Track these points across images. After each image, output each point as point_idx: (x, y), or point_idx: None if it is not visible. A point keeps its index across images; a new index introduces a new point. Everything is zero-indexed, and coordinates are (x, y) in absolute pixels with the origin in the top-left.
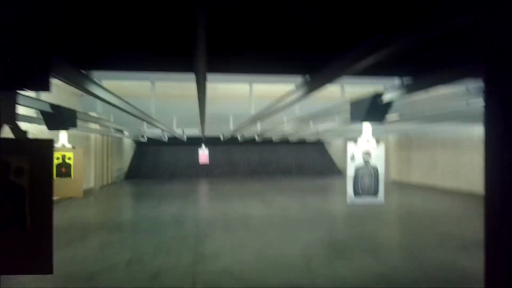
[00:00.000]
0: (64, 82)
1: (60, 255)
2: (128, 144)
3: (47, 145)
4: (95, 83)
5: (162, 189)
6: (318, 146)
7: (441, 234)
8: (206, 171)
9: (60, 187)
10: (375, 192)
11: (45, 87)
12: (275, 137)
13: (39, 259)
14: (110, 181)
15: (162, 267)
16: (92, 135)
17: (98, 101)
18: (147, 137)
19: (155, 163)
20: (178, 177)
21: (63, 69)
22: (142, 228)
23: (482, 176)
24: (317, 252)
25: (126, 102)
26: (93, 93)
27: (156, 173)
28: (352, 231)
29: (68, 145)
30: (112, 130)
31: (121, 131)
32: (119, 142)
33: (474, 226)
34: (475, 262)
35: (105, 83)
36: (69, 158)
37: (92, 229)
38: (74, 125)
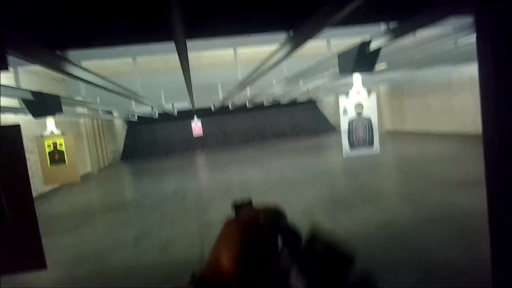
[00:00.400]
0: (35, 63)
1: (68, 240)
2: (119, 125)
3: (14, 131)
4: (72, 63)
5: (160, 166)
6: (311, 105)
7: (438, 177)
8: (201, 143)
9: (57, 175)
10: (370, 143)
11: (2, 65)
12: (266, 101)
13: (29, 255)
14: (106, 164)
15: (170, 239)
16: (81, 120)
17: (81, 84)
18: (138, 116)
19: (149, 141)
20: (174, 152)
21: (28, 47)
22: (146, 204)
23: (475, 117)
24: (318, 207)
25: (109, 80)
26: (71, 74)
27: (152, 151)
28: (351, 184)
29: (57, 132)
30: (100, 112)
31: (110, 112)
32: (110, 124)
33: (470, 166)
34: (472, 200)
35: (85, 64)
36: (61, 145)
37: (97, 212)
38: (59, 110)
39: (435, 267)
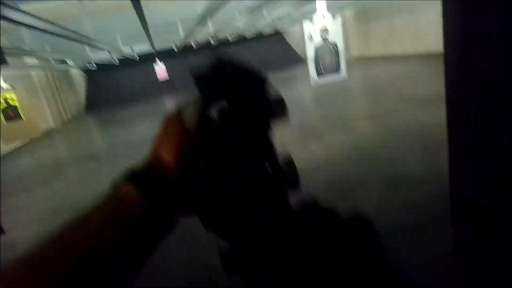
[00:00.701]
0: None
1: (41, 195)
2: (77, 75)
3: None
4: (9, 7)
5: (127, 114)
6: (277, 38)
7: (403, 97)
8: (167, 87)
9: (15, 132)
10: (337, 69)
11: None
12: (231, 36)
13: None
14: (70, 117)
15: None
16: (34, 73)
17: (24, 31)
18: (96, 63)
19: (113, 89)
20: (141, 99)
21: None
22: (117, 153)
23: (439, 36)
24: (289, 137)
25: (54, 24)
26: (9, 19)
27: (117, 100)
28: (320, 111)
29: (6, 86)
30: (52, 61)
31: (64, 62)
32: (67, 74)
33: (433, 85)
34: (434, 116)
35: (25, 8)
36: (13, 99)
37: (67, 165)
38: (3, 61)
39: (400, 181)
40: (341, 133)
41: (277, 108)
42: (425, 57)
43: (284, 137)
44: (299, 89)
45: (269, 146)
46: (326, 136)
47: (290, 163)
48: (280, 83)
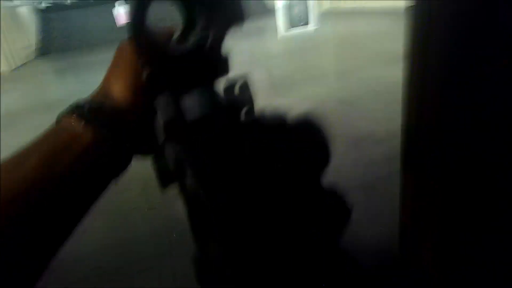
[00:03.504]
0: None
1: None
2: (26, 15)
3: None
4: None
5: (84, 61)
6: None
7: (371, 52)
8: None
9: None
10: (306, 21)
11: None
12: None
13: None
14: (20, 62)
15: None
16: None
17: None
18: (46, 2)
19: (68, 32)
20: (99, 44)
21: None
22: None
23: None
24: (258, 91)
25: None
26: None
27: (72, 44)
28: (289, 65)
29: None
30: None
31: None
32: (13, 13)
33: (400, 41)
34: (400, 73)
35: None
36: None
37: (18, 116)
38: None
39: (363, 137)
40: (309, 86)
41: (233, 10)
42: (396, 13)
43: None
44: (268, 42)
45: (222, 68)
46: (294, 90)
47: (245, 86)
48: (247, 34)
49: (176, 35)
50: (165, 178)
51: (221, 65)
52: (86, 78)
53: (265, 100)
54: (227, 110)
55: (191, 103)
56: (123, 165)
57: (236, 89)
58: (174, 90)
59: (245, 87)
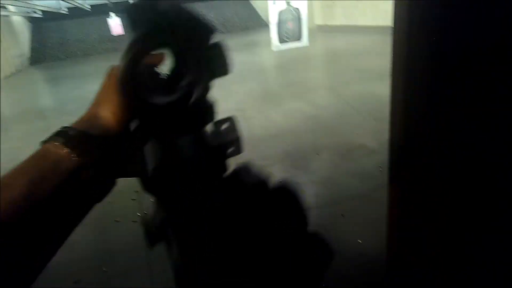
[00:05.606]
0: None
1: None
2: (20, 23)
3: None
4: None
5: (77, 70)
6: (241, 1)
7: (361, 69)
8: (122, 43)
9: None
10: (299, 36)
11: None
12: None
13: None
14: (13, 70)
15: None
16: None
17: None
18: (42, 11)
19: (61, 41)
20: (93, 54)
21: None
22: (67, 110)
23: None
24: (249, 104)
25: None
26: None
27: (66, 53)
28: (281, 79)
29: None
30: None
31: (3, 7)
32: (8, 22)
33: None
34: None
35: None
36: None
37: (10, 122)
38: None
39: (352, 149)
40: (299, 100)
41: (219, 63)
42: (384, 30)
43: (243, 102)
44: (262, 55)
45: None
46: (284, 103)
47: (231, 126)
48: (243, 47)
49: (165, 67)
50: (152, 238)
51: (207, 114)
52: (78, 87)
53: (256, 112)
54: (212, 153)
55: (177, 150)
56: (106, 189)
57: (223, 130)
58: (160, 137)
59: (231, 127)
